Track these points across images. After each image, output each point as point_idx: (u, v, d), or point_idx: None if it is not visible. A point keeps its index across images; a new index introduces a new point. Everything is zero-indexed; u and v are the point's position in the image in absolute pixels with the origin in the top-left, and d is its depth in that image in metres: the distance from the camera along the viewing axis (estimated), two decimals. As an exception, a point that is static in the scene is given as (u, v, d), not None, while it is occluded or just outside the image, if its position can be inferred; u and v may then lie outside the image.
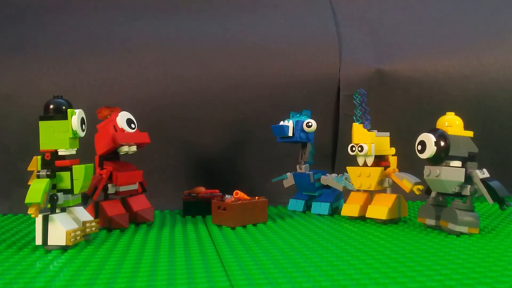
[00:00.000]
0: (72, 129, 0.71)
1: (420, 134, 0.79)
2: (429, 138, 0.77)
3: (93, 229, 0.75)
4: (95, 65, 1.09)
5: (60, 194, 0.71)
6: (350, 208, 0.92)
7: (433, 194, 0.82)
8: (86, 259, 0.65)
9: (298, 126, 0.97)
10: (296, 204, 1.02)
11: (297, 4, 1.22)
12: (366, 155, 0.90)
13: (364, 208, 0.91)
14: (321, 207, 0.97)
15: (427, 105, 1.13)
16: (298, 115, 0.99)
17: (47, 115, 0.72)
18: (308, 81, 1.13)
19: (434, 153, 0.77)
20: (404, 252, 0.67)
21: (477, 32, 1.20)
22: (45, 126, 0.72)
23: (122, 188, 0.87)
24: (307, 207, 1.02)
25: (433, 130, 0.78)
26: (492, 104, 1.15)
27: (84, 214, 0.75)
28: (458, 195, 0.78)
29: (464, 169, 0.77)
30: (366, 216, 0.89)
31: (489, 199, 0.76)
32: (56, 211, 0.71)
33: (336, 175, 1.01)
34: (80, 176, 0.72)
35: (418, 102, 1.13)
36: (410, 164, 0.94)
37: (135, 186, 0.90)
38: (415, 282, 0.54)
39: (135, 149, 0.88)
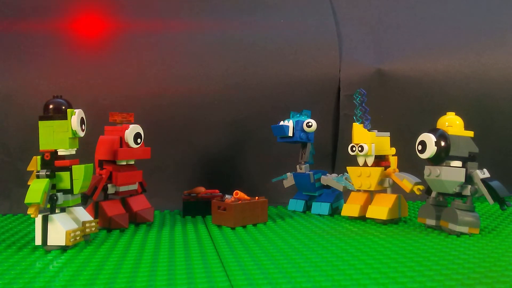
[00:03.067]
0: (72, 129, 0.71)
1: (420, 134, 0.79)
2: (429, 138, 0.77)
3: (93, 229, 0.75)
4: (95, 65, 1.09)
5: (59, 194, 0.71)
6: (350, 208, 0.92)
7: (433, 194, 0.82)
8: (86, 259, 0.65)
9: (298, 126, 0.97)
10: (296, 204, 1.01)
11: (297, 4, 1.22)
12: (366, 155, 0.90)
13: (364, 208, 0.91)
14: (321, 207, 0.97)
15: (427, 105, 1.13)
16: (298, 115, 0.99)
17: (47, 115, 0.71)
18: (308, 81, 1.13)
19: (434, 153, 0.77)
20: (404, 252, 0.67)
21: (477, 31, 1.20)
22: (44, 126, 0.71)
23: (122, 188, 0.87)
24: (307, 207, 1.02)
25: (433, 130, 0.78)
26: (493, 104, 1.15)
27: (83, 214, 0.75)
28: (459, 195, 0.78)
29: (464, 169, 0.76)
30: (367, 216, 0.89)
31: (489, 199, 0.76)
32: (56, 211, 0.71)
33: (336, 175, 1.00)
34: (79, 176, 0.72)
35: (418, 102, 1.13)
36: (410, 164, 0.94)
37: (135, 186, 0.90)
38: (415, 283, 0.53)
39: (133, 162, 0.89)
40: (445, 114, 0.81)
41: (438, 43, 1.17)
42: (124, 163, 0.88)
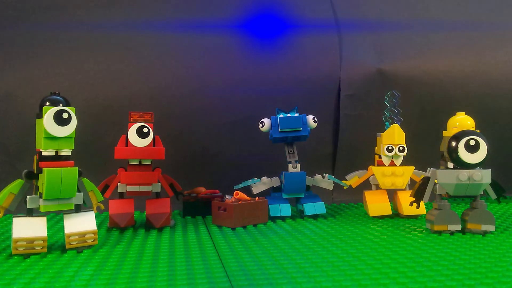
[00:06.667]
0: (44, 128, 0.66)
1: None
2: (483, 142, 0.75)
3: (90, 241, 0.70)
4: (94, 64, 1.09)
5: (31, 197, 0.68)
6: (379, 207, 0.93)
7: (437, 198, 0.81)
8: (86, 259, 0.65)
9: (304, 120, 0.93)
10: (281, 210, 0.93)
11: (297, 4, 1.22)
12: (398, 156, 0.93)
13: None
14: (316, 207, 0.94)
15: (428, 105, 1.13)
16: (284, 112, 0.95)
17: (38, 113, 0.68)
18: (308, 81, 1.13)
19: (485, 157, 0.76)
20: (405, 252, 0.66)
21: (478, 31, 1.20)
22: (38, 124, 0.68)
23: (130, 188, 0.86)
24: (295, 211, 0.98)
25: (474, 133, 0.76)
26: (493, 103, 1.15)
27: (85, 223, 0.70)
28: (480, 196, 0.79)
29: (490, 170, 0.77)
30: (405, 214, 0.91)
31: (492, 194, 0.78)
32: (34, 215, 0.68)
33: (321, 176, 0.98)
34: (45, 180, 0.65)
35: (419, 102, 1.13)
36: (410, 163, 0.95)
37: (150, 188, 0.87)
38: (416, 283, 0.53)
39: (149, 162, 0.87)
40: (447, 113, 0.81)
41: (439, 43, 1.17)
42: (136, 162, 0.87)
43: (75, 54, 1.09)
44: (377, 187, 0.96)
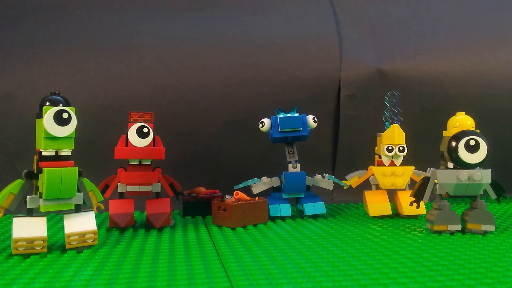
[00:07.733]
0: (44, 128, 0.65)
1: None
2: (483, 142, 0.75)
3: (90, 241, 0.70)
4: (95, 64, 1.09)
5: (31, 197, 0.68)
6: (379, 207, 0.93)
7: (437, 198, 0.81)
8: (86, 259, 0.65)
9: (304, 120, 0.93)
10: (281, 210, 0.93)
11: (297, 3, 1.22)
12: (398, 156, 0.93)
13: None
14: (316, 207, 0.94)
15: (428, 105, 1.13)
16: (284, 112, 0.95)
17: (38, 113, 0.68)
18: (308, 81, 1.13)
19: (485, 157, 0.75)
20: (405, 252, 0.66)
21: (478, 31, 1.20)
22: (38, 124, 0.69)
23: (130, 188, 0.86)
24: (295, 211, 0.98)
25: (474, 133, 0.76)
26: (494, 103, 1.15)
27: (85, 223, 0.70)
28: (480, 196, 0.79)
29: (490, 169, 0.77)
30: (405, 214, 0.91)
31: (492, 194, 0.78)
32: (34, 215, 0.68)
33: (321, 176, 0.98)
34: (45, 180, 0.65)
35: (418, 102, 1.13)
36: (410, 163, 0.95)
37: (150, 188, 0.87)
38: (416, 283, 0.53)
39: (149, 162, 0.87)
40: (446, 113, 0.81)
41: (439, 43, 1.17)
42: (136, 162, 0.87)
43: (75, 54, 1.09)
44: (377, 187, 0.96)
